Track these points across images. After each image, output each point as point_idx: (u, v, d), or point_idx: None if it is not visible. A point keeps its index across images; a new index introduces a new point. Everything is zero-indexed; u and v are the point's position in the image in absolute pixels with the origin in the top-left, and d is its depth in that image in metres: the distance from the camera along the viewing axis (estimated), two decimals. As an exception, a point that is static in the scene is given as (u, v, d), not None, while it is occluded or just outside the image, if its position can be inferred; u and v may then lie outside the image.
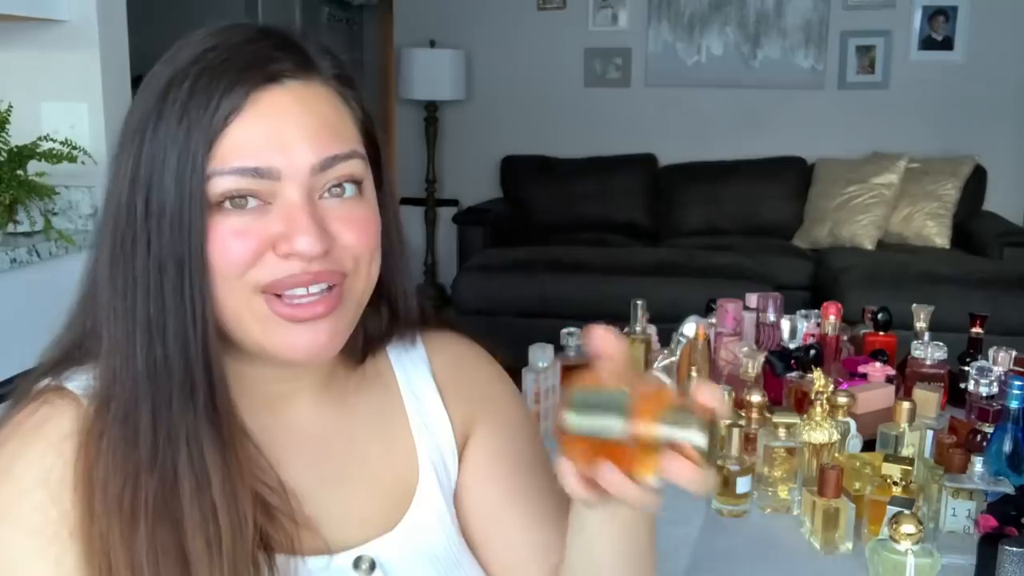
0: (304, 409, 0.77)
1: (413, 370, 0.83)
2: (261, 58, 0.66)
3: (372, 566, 0.73)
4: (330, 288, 0.68)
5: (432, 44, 5.15)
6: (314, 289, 0.67)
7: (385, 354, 0.83)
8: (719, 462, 1.42)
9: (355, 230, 0.68)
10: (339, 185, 0.68)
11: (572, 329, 1.86)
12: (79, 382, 0.70)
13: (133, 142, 0.66)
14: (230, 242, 0.65)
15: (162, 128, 0.65)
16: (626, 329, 1.86)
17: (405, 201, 5.53)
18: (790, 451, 1.42)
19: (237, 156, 0.64)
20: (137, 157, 0.65)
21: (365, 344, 0.79)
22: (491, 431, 0.84)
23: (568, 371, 1.66)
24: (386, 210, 0.73)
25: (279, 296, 0.67)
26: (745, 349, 1.69)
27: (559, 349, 1.74)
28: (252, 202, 0.66)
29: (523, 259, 4.16)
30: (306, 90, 0.67)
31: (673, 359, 1.71)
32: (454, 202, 5.31)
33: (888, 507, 1.20)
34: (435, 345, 0.86)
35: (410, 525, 0.77)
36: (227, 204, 0.65)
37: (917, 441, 1.47)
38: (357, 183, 0.69)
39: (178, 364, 0.65)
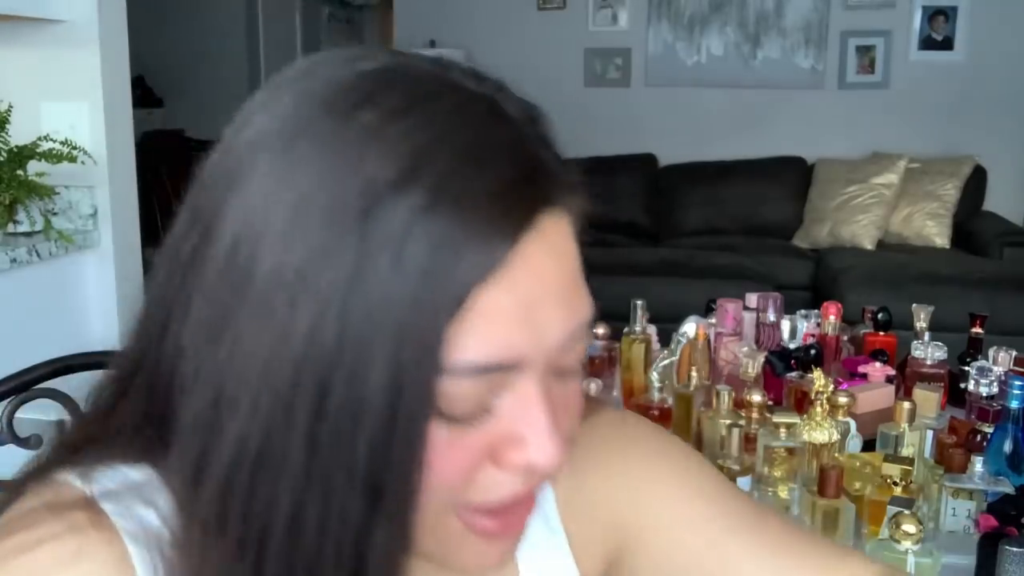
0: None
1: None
2: (518, 184, 0.44)
3: None
4: None
5: (432, 44, 5.15)
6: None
7: None
8: (719, 462, 1.42)
9: (571, 416, 0.50)
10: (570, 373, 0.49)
11: (572, 329, 1.86)
12: (122, 505, 0.47)
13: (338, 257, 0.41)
14: (445, 457, 0.44)
15: (371, 264, 0.41)
16: (626, 329, 1.86)
17: (405, 201, 5.54)
18: (790, 451, 1.42)
19: (480, 341, 0.42)
20: (333, 294, 0.41)
21: None
22: (652, 524, 0.63)
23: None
24: None
25: (485, 512, 0.48)
26: (745, 349, 1.69)
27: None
28: (474, 413, 0.45)
29: (523, 259, 4.15)
30: (558, 226, 0.49)
31: (673, 359, 1.72)
32: (454, 202, 5.31)
33: (888, 507, 1.20)
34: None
35: None
36: (446, 413, 0.44)
37: (917, 441, 1.47)
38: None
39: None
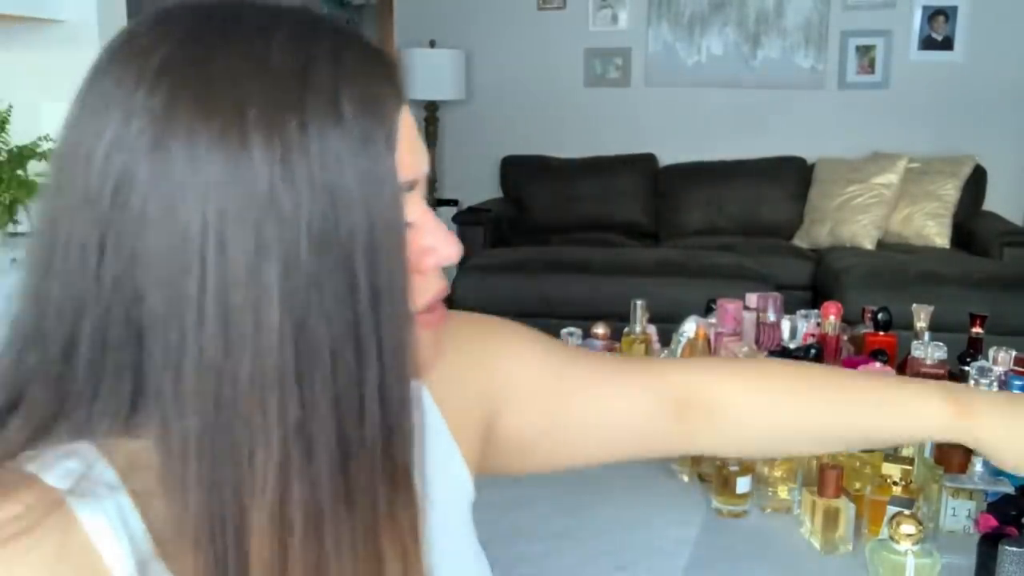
0: None
1: None
2: (380, 51, 0.57)
3: None
4: None
5: (432, 44, 5.15)
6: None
7: None
8: (719, 462, 1.42)
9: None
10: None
11: (572, 329, 1.86)
12: (92, 499, 0.50)
13: (304, 141, 0.49)
14: None
15: (342, 135, 0.50)
16: (626, 329, 1.86)
17: (405, 201, 5.54)
18: (790, 451, 1.42)
19: (404, 168, 0.54)
20: (306, 161, 0.49)
21: None
22: (509, 380, 0.79)
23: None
24: None
25: (428, 311, 0.60)
26: (745, 349, 1.69)
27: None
28: None
29: (523, 259, 4.16)
30: None
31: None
32: (454, 202, 5.31)
33: (888, 507, 1.20)
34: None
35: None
36: None
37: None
38: None
39: (375, 429, 0.52)
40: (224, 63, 0.49)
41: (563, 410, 0.79)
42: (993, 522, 1.21)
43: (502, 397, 0.78)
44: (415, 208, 0.57)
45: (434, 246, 0.58)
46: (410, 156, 0.55)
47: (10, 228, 2.07)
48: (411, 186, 0.56)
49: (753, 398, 0.81)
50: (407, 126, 0.56)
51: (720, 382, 0.81)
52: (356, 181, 0.50)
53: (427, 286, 0.59)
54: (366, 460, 0.52)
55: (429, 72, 5.01)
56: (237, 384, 0.48)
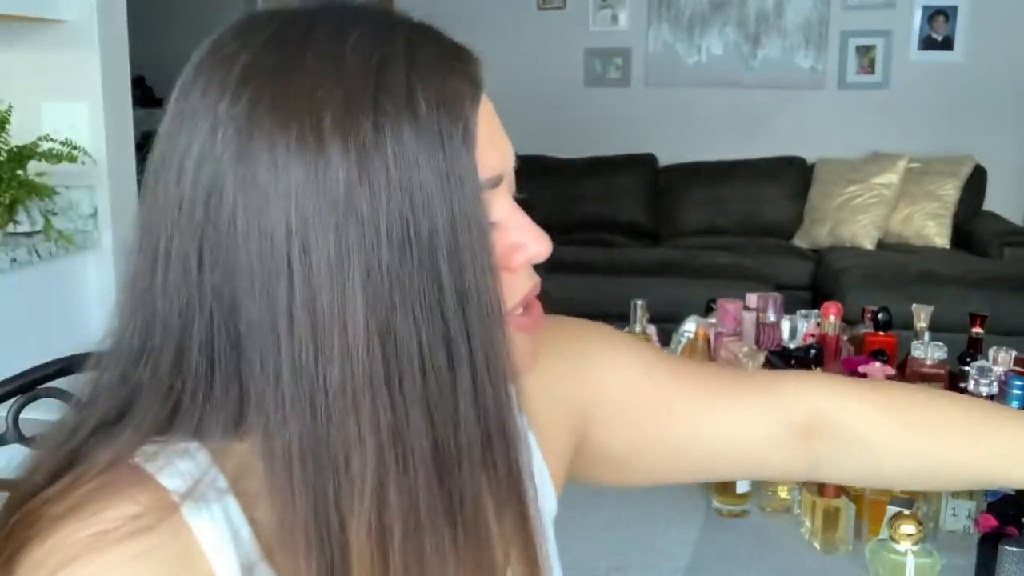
0: None
1: None
2: (457, 46, 0.58)
3: None
4: None
5: (432, 44, 5.15)
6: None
7: None
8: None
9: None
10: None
11: (572, 329, 1.86)
12: (204, 504, 0.51)
13: (377, 149, 0.48)
14: None
15: (420, 140, 0.50)
16: (626, 329, 1.86)
17: (405, 201, 5.54)
18: (790, 451, 1.42)
19: (484, 165, 0.53)
20: (384, 171, 0.49)
21: None
22: (603, 393, 0.74)
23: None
24: None
25: (522, 313, 0.59)
26: (745, 349, 1.69)
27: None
28: None
29: (523, 259, 4.15)
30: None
31: (673, 359, 1.72)
32: (454, 202, 5.31)
33: (888, 507, 1.20)
34: None
35: None
36: None
37: (917, 441, 1.47)
38: None
39: (473, 434, 0.52)
40: (300, 68, 0.49)
41: (665, 428, 0.74)
42: (993, 522, 1.21)
43: (595, 410, 0.74)
44: (501, 204, 0.56)
45: (523, 242, 0.57)
46: (492, 151, 0.54)
47: (10, 228, 2.07)
48: (495, 182, 0.54)
49: (901, 435, 0.73)
50: (488, 120, 0.55)
51: (863, 412, 0.73)
52: (434, 180, 0.50)
53: (518, 285, 0.58)
54: (465, 465, 0.51)
55: (429, 72, 5.00)
56: (329, 389, 0.48)
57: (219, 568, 0.50)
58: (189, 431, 0.52)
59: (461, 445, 0.51)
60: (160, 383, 0.52)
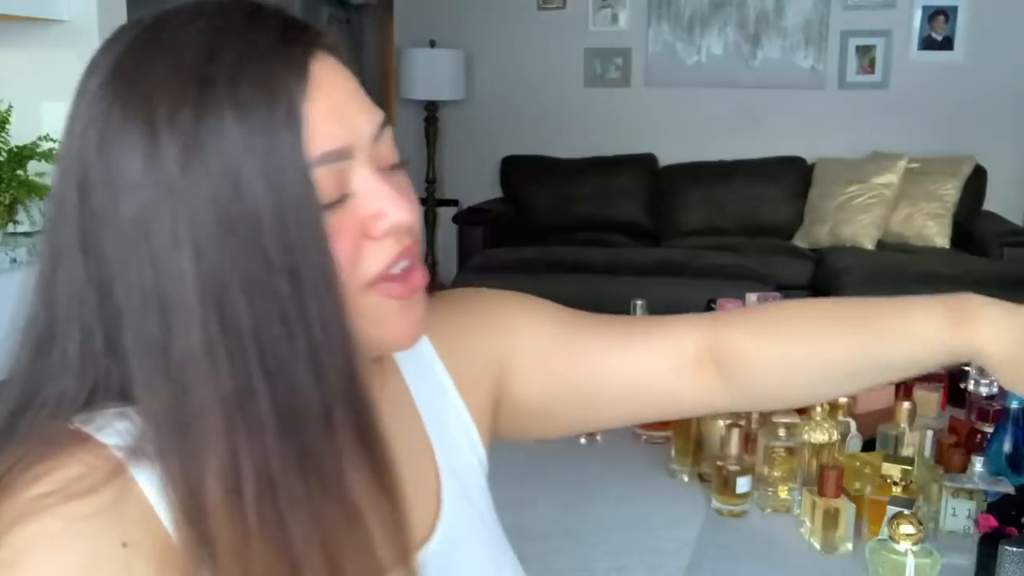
0: None
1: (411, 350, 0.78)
2: (292, 26, 0.58)
3: None
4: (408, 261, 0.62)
5: (432, 44, 5.15)
6: (406, 263, 0.61)
7: None
8: (719, 462, 1.42)
9: (411, 199, 0.62)
10: (394, 165, 0.62)
11: (572, 329, 1.86)
12: (146, 460, 0.55)
13: (188, 154, 0.53)
14: (333, 240, 0.57)
15: (223, 129, 0.53)
16: (626, 329, 1.86)
17: (405, 201, 5.54)
18: (790, 451, 1.42)
19: (319, 143, 0.55)
20: (203, 166, 0.53)
21: None
22: (518, 345, 0.79)
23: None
24: None
25: (389, 280, 0.60)
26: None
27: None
28: (336, 198, 0.57)
29: (523, 259, 4.16)
30: (334, 58, 0.59)
31: (673, 359, 1.72)
32: (454, 202, 5.31)
33: (888, 507, 1.20)
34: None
35: (449, 527, 0.71)
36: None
37: (917, 441, 1.47)
38: (397, 154, 0.64)
39: (315, 398, 0.55)
40: (146, 67, 0.55)
41: (576, 375, 0.79)
42: (993, 522, 1.21)
43: (509, 363, 0.79)
44: (359, 174, 0.58)
45: (383, 210, 0.59)
46: (333, 125, 0.57)
47: (10, 228, 2.07)
48: (339, 156, 0.57)
49: (767, 344, 0.77)
50: (327, 94, 0.57)
51: (734, 334, 0.79)
52: (257, 164, 0.53)
53: (382, 252, 0.59)
54: (312, 430, 0.55)
55: (429, 72, 5.01)
56: (177, 363, 0.53)
57: (169, 526, 0.54)
58: (114, 399, 0.56)
59: (305, 412, 0.55)
60: (72, 363, 0.57)
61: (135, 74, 0.55)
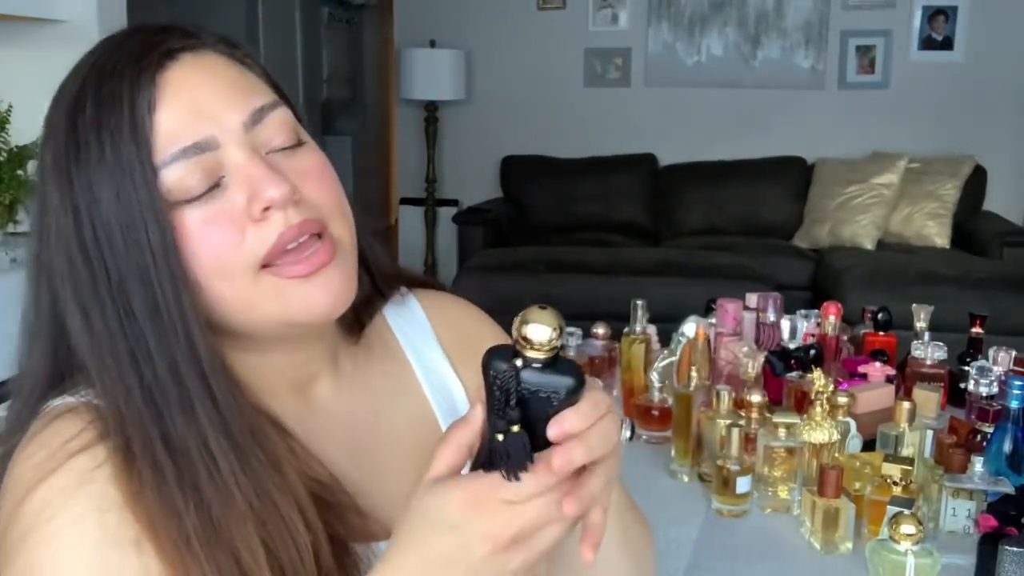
0: (326, 392, 0.75)
1: (413, 331, 0.82)
2: (148, 44, 0.64)
3: None
4: (319, 237, 0.65)
5: (432, 44, 5.15)
6: (303, 239, 0.64)
7: (383, 318, 0.81)
8: (719, 462, 1.42)
9: (314, 179, 0.66)
10: (287, 147, 0.66)
11: (572, 329, 1.86)
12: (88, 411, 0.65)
13: (60, 177, 0.63)
14: (207, 233, 0.62)
15: (84, 153, 0.61)
16: (626, 329, 1.86)
17: (405, 201, 5.54)
18: (790, 451, 1.42)
19: (172, 142, 0.61)
20: (69, 189, 0.62)
21: (356, 309, 0.74)
22: None
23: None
24: None
25: (285, 256, 0.64)
26: (745, 349, 1.69)
27: (559, 349, 1.74)
28: (204, 189, 0.62)
29: (523, 259, 4.16)
30: (202, 60, 0.65)
31: (673, 359, 1.72)
32: (454, 202, 5.31)
33: (888, 507, 1.20)
34: (431, 305, 0.84)
35: None
36: (184, 199, 0.62)
37: (917, 441, 1.47)
38: (295, 135, 0.67)
39: (170, 383, 0.62)
40: (55, 101, 0.65)
41: None
42: (993, 522, 1.21)
43: None
44: (229, 160, 0.63)
45: (257, 189, 0.62)
46: (190, 120, 0.62)
47: (10, 228, 2.07)
48: (199, 148, 0.62)
49: None
50: (180, 90, 0.62)
51: None
52: (105, 178, 0.61)
53: (265, 231, 0.63)
54: (174, 405, 0.62)
55: (429, 72, 5.00)
56: (79, 357, 0.64)
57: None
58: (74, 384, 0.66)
59: (164, 391, 0.62)
60: (50, 355, 0.67)
61: (56, 119, 0.65)
